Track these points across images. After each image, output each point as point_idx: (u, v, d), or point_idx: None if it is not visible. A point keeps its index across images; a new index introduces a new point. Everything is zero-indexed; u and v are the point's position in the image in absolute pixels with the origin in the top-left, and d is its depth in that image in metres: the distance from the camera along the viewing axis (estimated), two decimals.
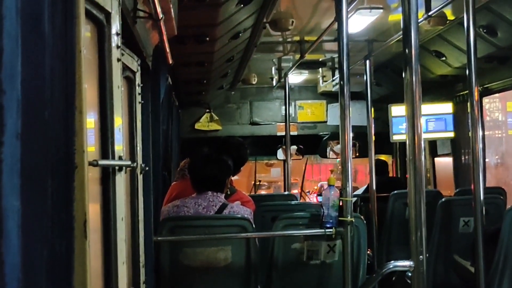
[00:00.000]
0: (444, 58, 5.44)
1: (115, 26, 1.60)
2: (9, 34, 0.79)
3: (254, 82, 6.98)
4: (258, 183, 8.74)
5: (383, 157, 7.60)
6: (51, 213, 0.93)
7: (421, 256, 2.45)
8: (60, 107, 0.98)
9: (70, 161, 1.03)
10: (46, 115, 0.91)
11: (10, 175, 0.79)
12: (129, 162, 1.80)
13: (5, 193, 0.78)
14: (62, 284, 1.00)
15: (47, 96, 0.92)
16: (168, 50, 3.01)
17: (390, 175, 7.66)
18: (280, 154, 7.29)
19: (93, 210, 1.46)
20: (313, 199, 8.70)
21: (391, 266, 2.65)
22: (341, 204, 3.08)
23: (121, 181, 1.68)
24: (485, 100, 7.01)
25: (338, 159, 8.14)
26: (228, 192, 3.66)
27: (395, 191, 5.42)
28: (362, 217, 3.36)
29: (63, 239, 0.99)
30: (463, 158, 6.20)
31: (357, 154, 7.10)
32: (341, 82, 3.13)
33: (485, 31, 4.45)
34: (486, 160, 7.20)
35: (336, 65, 6.06)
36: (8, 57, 0.79)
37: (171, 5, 2.52)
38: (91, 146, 1.43)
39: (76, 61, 1.06)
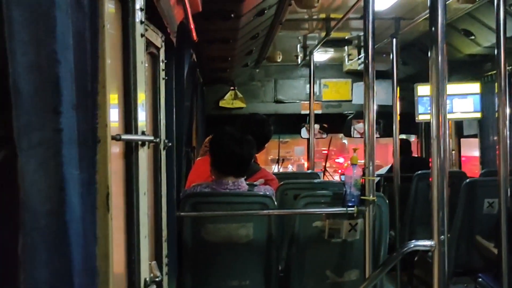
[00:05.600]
0: (473, 37, 5.33)
1: (139, 2, 1.60)
2: (60, 5, 0.80)
3: (279, 60, 6.93)
4: (282, 161, 8.74)
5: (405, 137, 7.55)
6: (87, 183, 0.95)
7: (442, 236, 2.44)
8: (89, 81, 0.99)
9: (94, 134, 1.05)
10: (85, 88, 0.92)
11: (69, 145, 0.80)
12: (152, 138, 1.82)
13: (65, 162, 0.79)
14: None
15: (84, 69, 0.93)
16: (192, 26, 3.00)
17: (415, 155, 7.60)
18: (304, 132, 7.27)
19: (116, 184, 1.48)
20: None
21: (411, 246, 2.64)
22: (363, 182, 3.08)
23: (144, 156, 1.70)
24: None
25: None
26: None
27: (419, 171, 5.38)
28: (384, 196, 3.35)
29: (92, 210, 1.02)
30: (490, 140, 6.12)
31: (381, 134, 7.04)
32: (366, 61, 3.10)
33: None
34: None
35: (362, 44, 5.99)
36: (61, 28, 0.80)
37: None
38: (114, 121, 1.45)
39: (99, 36, 1.07)
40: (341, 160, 13.35)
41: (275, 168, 8.13)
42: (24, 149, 0.77)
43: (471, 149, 7.27)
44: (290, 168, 12.25)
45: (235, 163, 3.26)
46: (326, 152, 9.01)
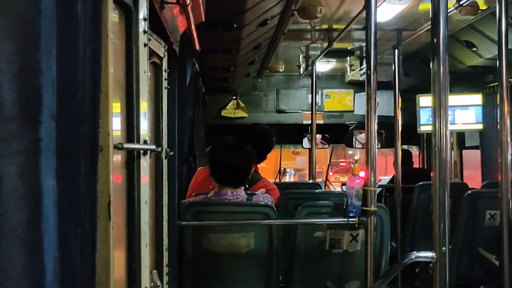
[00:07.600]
0: (475, 49, 5.34)
1: (143, 11, 1.61)
2: (45, 16, 0.80)
3: (281, 70, 6.95)
4: (283, 170, 8.73)
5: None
6: (83, 193, 0.95)
7: (443, 248, 2.44)
8: (89, 90, 1.00)
9: (96, 143, 1.05)
10: (79, 97, 0.93)
11: (46, 155, 0.80)
12: (153, 147, 1.83)
13: (42, 172, 0.80)
14: (88, 261, 1.03)
15: (80, 78, 0.93)
16: (195, 36, 3.01)
17: (417, 166, 7.59)
18: (306, 142, 7.27)
19: (118, 193, 1.49)
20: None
21: (413, 257, 2.64)
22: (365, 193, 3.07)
23: (145, 165, 1.70)
24: None
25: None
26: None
27: (421, 182, 5.37)
28: (385, 207, 3.35)
29: (91, 219, 1.01)
30: (491, 151, 6.11)
31: (383, 144, 7.04)
32: (368, 72, 3.11)
33: None
34: None
35: (364, 54, 6.00)
36: (45, 38, 0.81)
37: None
38: (116, 130, 1.45)
39: (103, 45, 1.07)
40: (362, 174, 13.18)
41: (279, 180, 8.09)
42: (3, 157, 0.77)
43: None
44: None
45: (232, 174, 3.28)
46: (344, 164, 8.99)
